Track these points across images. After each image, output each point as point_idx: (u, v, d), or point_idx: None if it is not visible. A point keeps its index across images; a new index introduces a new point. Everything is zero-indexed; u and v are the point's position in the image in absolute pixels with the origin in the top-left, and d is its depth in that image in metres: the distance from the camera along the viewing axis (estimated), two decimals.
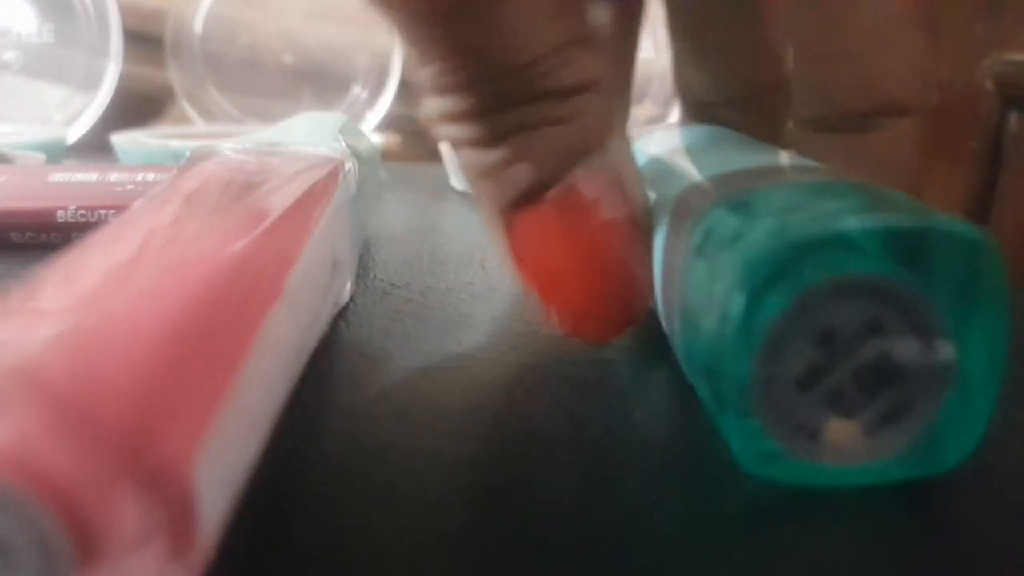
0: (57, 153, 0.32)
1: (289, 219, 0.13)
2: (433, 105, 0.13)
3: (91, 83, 0.36)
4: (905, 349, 0.11)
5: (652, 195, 0.15)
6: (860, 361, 0.11)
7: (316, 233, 0.13)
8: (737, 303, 0.10)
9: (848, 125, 0.15)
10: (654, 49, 0.37)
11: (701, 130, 0.20)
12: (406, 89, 0.37)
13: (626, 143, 0.14)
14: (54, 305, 0.09)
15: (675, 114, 0.37)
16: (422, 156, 0.42)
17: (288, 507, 0.11)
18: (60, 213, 0.21)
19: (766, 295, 0.10)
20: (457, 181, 0.31)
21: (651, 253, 0.14)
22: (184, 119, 0.39)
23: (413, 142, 0.43)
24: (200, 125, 0.37)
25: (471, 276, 0.21)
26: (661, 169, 0.16)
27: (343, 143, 0.18)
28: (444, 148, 0.31)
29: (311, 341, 0.14)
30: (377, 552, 0.10)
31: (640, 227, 0.14)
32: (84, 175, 0.23)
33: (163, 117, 0.43)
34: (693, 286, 0.12)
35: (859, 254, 0.11)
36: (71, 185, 0.22)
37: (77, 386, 0.07)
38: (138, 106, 0.46)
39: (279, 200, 0.13)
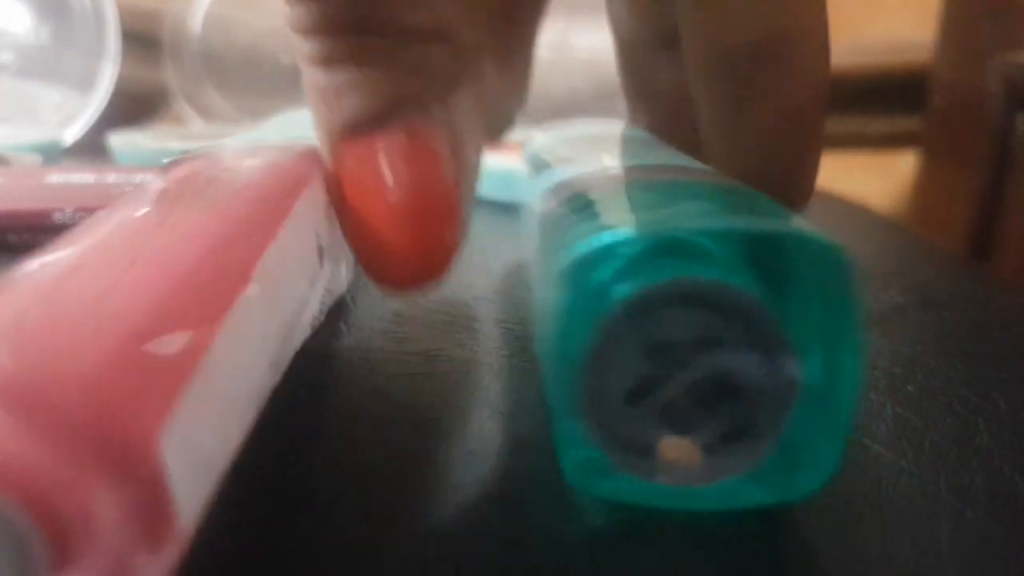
0: (54, 155, 0.31)
1: (259, 205, 0.12)
2: (288, 12, 0.13)
3: (88, 84, 0.35)
4: (745, 364, 0.10)
5: (535, 191, 0.14)
6: (695, 375, 0.10)
7: (292, 218, 0.13)
8: (561, 308, 0.10)
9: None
10: None
11: (600, 126, 0.19)
12: None
13: (475, 110, 0.14)
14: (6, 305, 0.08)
15: None
16: None
17: (284, 508, 0.10)
18: (57, 215, 0.20)
19: (591, 300, 0.10)
20: None
21: (466, 218, 0.14)
22: (181, 120, 0.38)
23: None
24: (198, 125, 0.37)
25: (474, 278, 0.20)
26: (544, 163, 0.16)
27: None
28: None
29: (301, 328, 0.13)
30: (372, 553, 0.10)
31: (461, 191, 0.13)
32: (81, 176, 0.22)
33: (160, 118, 0.43)
34: (539, 290, 0.12)
35: (696, 259, 0.10)
36: (68, 187, 0.22)
37: (31, 377, 0.07)
38: (135, 107, 0.45)
39: (251, 186, 0.13)
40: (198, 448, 0.08)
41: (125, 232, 0.11)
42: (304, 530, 0.10)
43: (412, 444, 0.12)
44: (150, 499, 0.07)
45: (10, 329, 0.08)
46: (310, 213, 0.14)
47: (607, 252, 0.10)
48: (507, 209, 0.27)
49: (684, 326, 0.10)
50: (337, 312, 0.17)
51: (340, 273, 0.17)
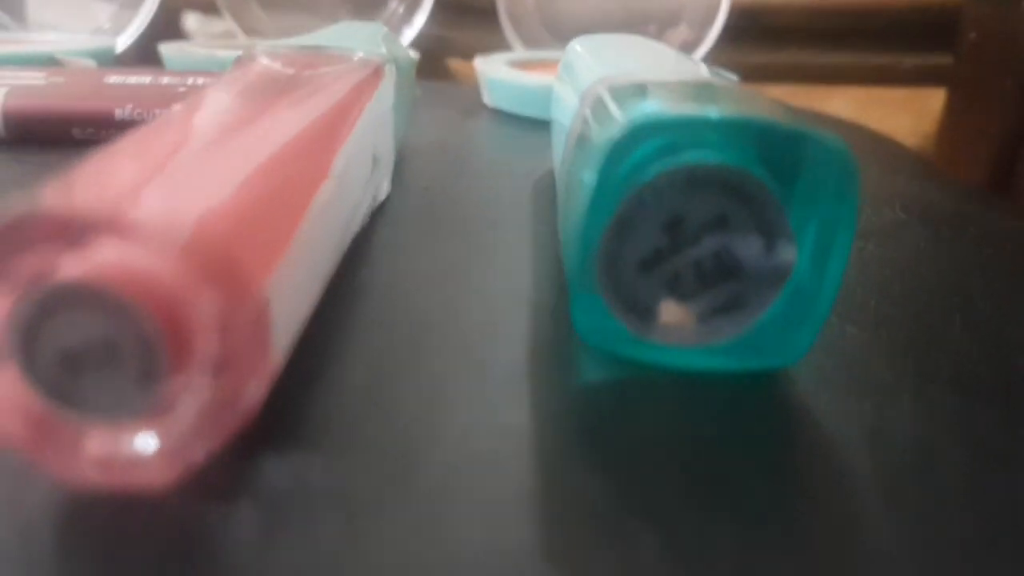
0: (106, 61, 0.33)
1: (336, 109, 0.14)
2: None
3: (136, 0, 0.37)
4: (747, 246, 0.11)
5: (570, 90, 0.15)
6: (702, 251, 0.11)
7: (359, 125, 0.15)
8: (589, 182, 0.11)
9: None
10: None
11: (635, 40, 0.21)
12: (443, 5, 0.38)
13: None
14: (143, 159, 0.10)
15: (710, 39, 0.37)
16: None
17: (336, 362, 0.12)
18: (118, 111, 0.22)
19: (619, 177, 0.11)
20: (488, 98, 0.32)
21: None
22: (226, 34, 0.39)
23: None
24: (242, 38, 0.38)
25: (500, 184, 0.22)
26: (584, 66, 0.17)
27: (384, 49, 0.19)
28: (478, 65, 0.32)
29: (355, 223, 0.15)
30: (389, 406, 0.11)
31: None
32: (138, 78, 0.24)
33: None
34: (568, 171, 0.13)
35: (716, 147, 0.11)
36: (127, 86, 0.23)
37: (172, 218, 0.08)
38: (177, 21, 0.47)
39: (327, 93, 0.14)
40: (287, 301, 0.10)
41: (220, 121, 0.12)
42: (351, 377, 0.12)
43: (438, 313, 0.14)
44: (256, 327, 0.09)
45: (160, 180, 0.09)
46: (371, 122, 0.16)
47: (636, 136, 0.11)
48: (539, 124, 0.28)
49: (699, 206, 0.11)
50: (376, 205, 0.18)
51: (383, 184, 0.18)
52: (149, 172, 0.09)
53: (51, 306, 0.08)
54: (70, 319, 0.08)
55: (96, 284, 0.08)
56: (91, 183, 0.09)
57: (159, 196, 0.09)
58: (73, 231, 0.08)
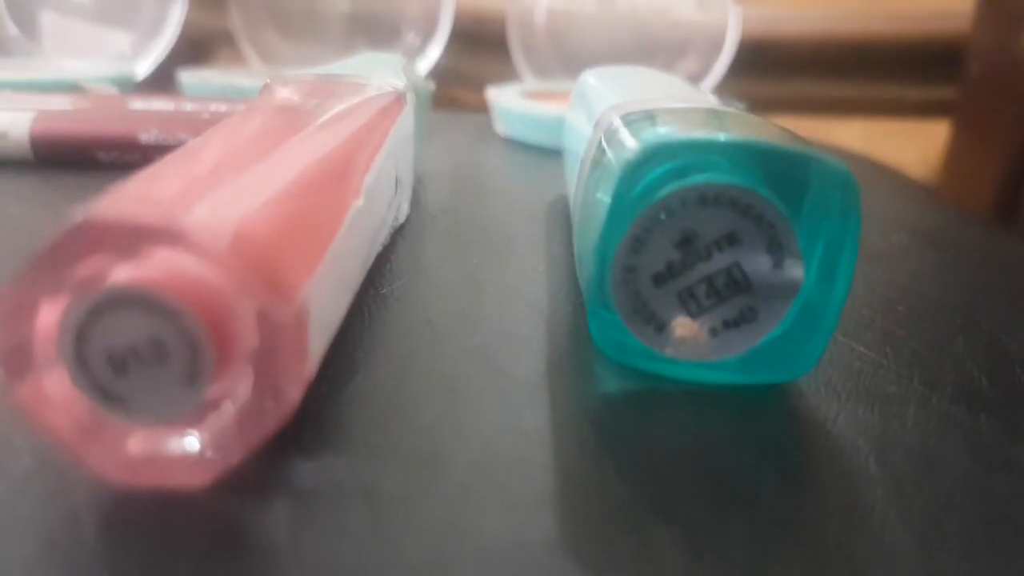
0: (126, 87, 0.34)
1: (363, 133, 0.15)
2: None
3: (156, 27, 0.38)
4: (756, 263, 0.12)
5: (583, 118, 0.16)
6: (714, 267, 0.12)
7: (384, 149, 0.15)
8: (606, 201, 0.12)
9: None
10: (698, 8, 0.38)
11: (645, 71, 0.21)
12: (456, 38, 0.39)
13: None
14: (187, 174, 0.10)
15: (718, 70, 0.38)
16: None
17: (362, 369, 0.13)
18: (143, 135, 0.23)
19: (633, 197, 0.12)
20: (501, 127, 0.32)
21: None
22: (241, 62, 0.40)
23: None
24: (258, 66, 0.39)
25: (515, 208, 0.22)
26: (596, 96, 0.17)
27: (404, 78, 0.19)
28: (490, 95, 0.33)
29: (379, 241, 0.15)
30: (413, 412, 0.12)
31: None
32: (161, 103, 0.24)
33: (215, 60, 0.45)
34: (584, 193, 0.13)
35: (725, 169, 0.12)
36: (150, 111, 0.24)
37: (216, 225, 0.09)
38: (191, 50, 0.47)
39: (354, 118, 0.15)
40: (322, 309, 0.11)
41: (263, 136, 0.13)
42: (372, 379, 0.12)
43: (458, 325, 0.14)
44: (295, 331, 0.09)
45: (210, 195, 0.10)
46: (394, 146, 0.16)
47: (650, 157, 0.11)
48: (550, 153, 0.29)
49: (710, 224, 0.12)
50: (397, 225, 0.19)
51: (403, 205, 0.19)
52: (192, 187, 0.10)
53: (101, 311, 0.09)
54: (119, 323, 0.09)
55: (145, 288, 0.09)
56: (138, 196, 0.10)
57: (204, 207, 0.09)
58: (123, 239, 0.09)
